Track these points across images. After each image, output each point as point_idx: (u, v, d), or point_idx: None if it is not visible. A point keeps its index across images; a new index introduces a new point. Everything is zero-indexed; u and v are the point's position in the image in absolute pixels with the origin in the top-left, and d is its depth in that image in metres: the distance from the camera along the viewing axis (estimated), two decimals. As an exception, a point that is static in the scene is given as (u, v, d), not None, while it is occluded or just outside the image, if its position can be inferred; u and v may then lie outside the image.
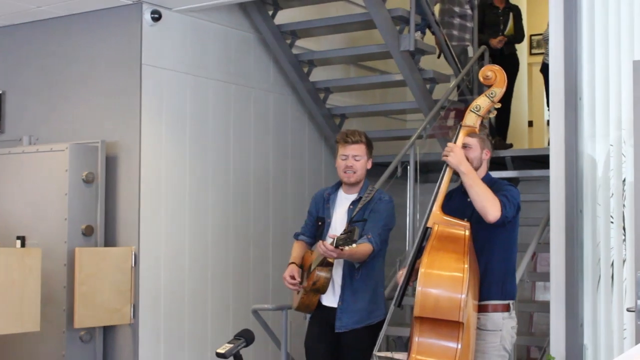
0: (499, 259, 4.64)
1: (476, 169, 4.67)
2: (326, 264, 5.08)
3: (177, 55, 6.90)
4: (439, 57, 8.23)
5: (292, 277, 5.26)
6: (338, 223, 5.23)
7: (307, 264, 5.31)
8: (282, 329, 6.03)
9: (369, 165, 5.28)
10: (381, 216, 5.13)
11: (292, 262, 5.37)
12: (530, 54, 11.01)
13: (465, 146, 4.64)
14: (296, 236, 5.53)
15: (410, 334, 4.56)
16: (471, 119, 4.61)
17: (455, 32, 8.51)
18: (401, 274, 4.68)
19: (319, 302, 5.25)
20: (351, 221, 5.11)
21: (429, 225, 4.48)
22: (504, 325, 4.65)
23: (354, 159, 5.19)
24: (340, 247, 4.69)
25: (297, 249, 5.47)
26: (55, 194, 6.51)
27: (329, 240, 4.87)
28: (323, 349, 5.26)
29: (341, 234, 4.77)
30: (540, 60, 9.30)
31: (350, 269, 5.15)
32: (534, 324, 7.28)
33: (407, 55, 7.28)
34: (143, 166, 6.56)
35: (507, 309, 4.67)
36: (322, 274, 5.09)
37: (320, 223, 5.35)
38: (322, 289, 5.15)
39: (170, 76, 6.82)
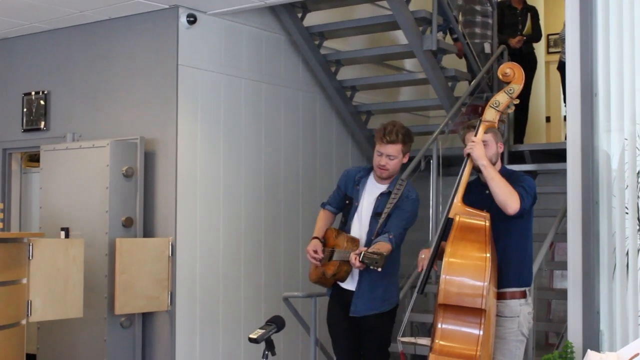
0: (515, 248, 4.61)
1: (494, 164, 4.63)
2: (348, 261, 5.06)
3: (212, 56, 6.89)
4: (460, 57, 8.17)
5: (315, 252, 5.23)
6: (364, 210, 5.20)
7: (329, 242, 5.28)
8: (311, 315, 6.00)
9: (405, 160, 5.22)
10: (405, 215, 5.10)
11: (316, 237, 5.33)
12: (548, 52, 10.90)
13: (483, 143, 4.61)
14: (323, 205, 5.49)
15: (433, 320, 4.54)
16: (491, 114, 4.60)
17: (477, 30, 8.44)
18: (423, 257, 4.66)
19: (337, 283, 5.24)
20: (375, 213, 5.07)
21: (450, 216, 4.47)
22: (521, 311, 4.64)
23: (388, 158, 5.10)
24: (365, 263, 4.75)
25: (321, 220, 5.42)
26: (97, 187, 6.53)
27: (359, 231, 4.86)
28: (345, 327, 5.24)
29: (370, 252, 4.78)
30: (557, 58, 9.21)
31: None
32: (552, 311, 7.23)
33: (430, 55, 7.23)
34: (179, 161, 6.56)
35: (524, 295, 4.66)
36: (343, 267, 5.10)
37: (347, 202, 5.30)
38: (342, 280, 5.16)
39: (205, 76, 6.81)
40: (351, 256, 4.88)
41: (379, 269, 4.71)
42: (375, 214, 5.09)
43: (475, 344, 4.23)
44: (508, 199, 4.43)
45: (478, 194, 4.63)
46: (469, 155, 4.55)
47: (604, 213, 5.02)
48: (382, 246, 4.91)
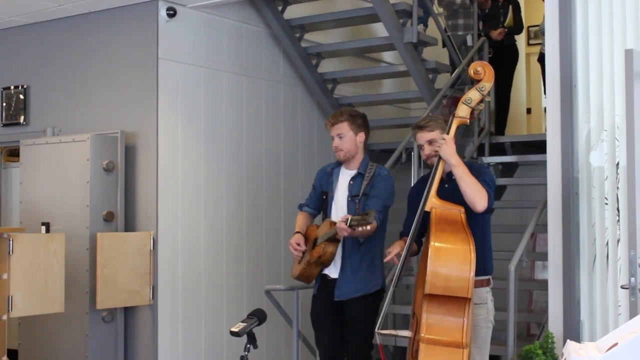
0: (478, 239, 4.65)
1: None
2: (334, 240, 5.06)
3: (192, 49, 6.88)
4: (444, 46, 8.18)
5: (298, 244, 5.25)
6: (340, 197, 5.25)
7: (311, 237, 5.31)
8: (293, 308, 6.01)
9: (361, 138, 5.25)
10: (381, 192, 5.12)
11: (298, 232, 5.36)
12: (528, 44, 10.93)
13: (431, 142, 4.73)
14: (300, 207, 5.52)
15: (414, 310, 4.59)
16: (463, 111, 4.70)
17: (460, 22, 8.46)
18: (389, 251, 4.73)
19: (322, 274, 5.24)
20: (351, 197, 5.11)
21: (427, 209, 4.55)
22: (487, 298, 4.78)
23: (338, 137, 5.21)
24: (354, 227, 4.70)
25: (301, 220, 5.46)
26: (78, 182, 6.51)
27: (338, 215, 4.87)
28: (328, 321, 5.26)
29: (356, 215, 4.78)
30: (537, 50, 9.24)
31: (353, 243, 5.13)
32: (533, 302, 7.26)
33: (410, 47, 7.25)
34: (160, 155, 6.55)
35: (488, 283, 4.81)
36: (329, 249, 5.08)
37: (324, 197, 5.35)
38: (327, 263, 5.14)
39: (186, 69, 6.80)
40: (338, 224, 4.83)
41: (368, 227, 4.68)
42: (352, 197, 5.13)
43: (461, 331, 4.30)
44: (477, 197, 4.52)
45: (451, 190, 4.69)
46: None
47: (584, 204, 5.06)
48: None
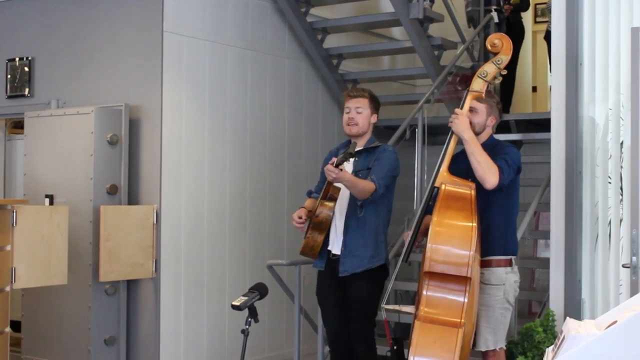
0: (500, 218, 4.65)
1: (478, 133, 4.66)
2: (329, 198, 5.03)
3: (197, 23, 6.87)
4: (469, 25, 8.14)
5: (300, 218, 5.24)
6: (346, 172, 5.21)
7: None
8: (295, 283, 6.04)
9: (374, 120, 5.26)
10: (384, 163, 5.10)
11: (303, 207, 5.34)
12: (535, 22, 10.89)
13: (472, 110, 4.64)
14: (309, 194, 5.50)
15: (418, 288, 4.58)
16: (478, 85, 4.62)
17: None
18: (408, 234, 4.70)
19: (327, 253, 5.23)
20: (356, 172, 5.09)
21: (436, 185, 4.50)
22: (507, 279, 4.67)
23: (355, 111, 5.20)
24: (340, 167, 4.69)
25: (309, 203, 5.44)
26: (82, 155, 6.52)
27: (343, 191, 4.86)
28: (333, 299, 5.26)
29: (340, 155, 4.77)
30: (544, 28, 9.21)
31: (354, 212, 5.11)
32: (535, 280, 7.28)
33: (416, 23, 7.22)
34: (164, 128, 6.55)
35: (509, 264, 4.69)
36: (323, 209, 5.05)
37: None
38: (324, 224, 5.09)
39: (190, 43, 6.79)
40: (326, 167, 4.80)
41: (351, 158, 4.73)
42: (356, 172, 5.10)
43: (460, 311, 4.27)
44: (486, 173, 4.46)
45: (465, 165, 4.66)
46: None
47: (587, 183, 5.06)
48: (363, 181, 4.97)
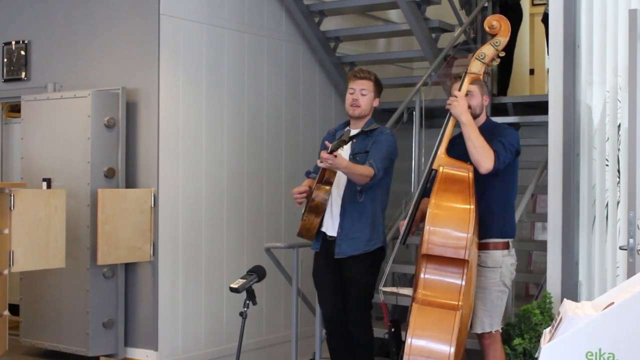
0: (498, 201, 4.65)
1: (478, 115, 4.67)
2: (325, 182, 5.03)
3: (194, 5, 6.85)
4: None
5: (300, 193, 5.19)
6: (343, 154, 5.18)
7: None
8: (293, 266, 6.05)
9: (376, 103, 5.25)
10: (382, 146, 5.08)
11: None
12: (533, 4, 10.84)
13: (467, 94, 4.63)
14: (307, 174, 5.49)
15: (415, 271, 4.58)
16: (476, 66, 4.63)
17: None
18: (403, 223, 4.71)
19: (323, 234, 5.22)
20: (354, 154, 5.08)
21: (434, 167, 4.50)
22: (503, 262, 4.68)
23: (360, 92, 5.18)
24: (335, 154, 4.67)
25: (307, 183, 5.40)
26: (79, 138, 6.52)
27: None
28: (330, 280, 5.25)
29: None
30: (542, 10, 9.18)
31: (351, 195, 5.11)
32: (532, 262, 7.29)
33: (414, 6, 7.21)
34: (162, 112, 6.55)
35: (506, 246, 4.70)
36: (319, 192, 5.05)
37: None
38: (320, 208, 5.09)
39: (187, 26, 6.77)
40: (320, 155, 4.78)
41: (345, 145, 4.68)
42: (354, 155, 5.10)
43: (458, 294, 4.28)
44: (481, 158, 4.45)
45: (463, 147, 4.66)
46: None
47: (584, 165, 5.06)
48: (360, 166, 4.96)
